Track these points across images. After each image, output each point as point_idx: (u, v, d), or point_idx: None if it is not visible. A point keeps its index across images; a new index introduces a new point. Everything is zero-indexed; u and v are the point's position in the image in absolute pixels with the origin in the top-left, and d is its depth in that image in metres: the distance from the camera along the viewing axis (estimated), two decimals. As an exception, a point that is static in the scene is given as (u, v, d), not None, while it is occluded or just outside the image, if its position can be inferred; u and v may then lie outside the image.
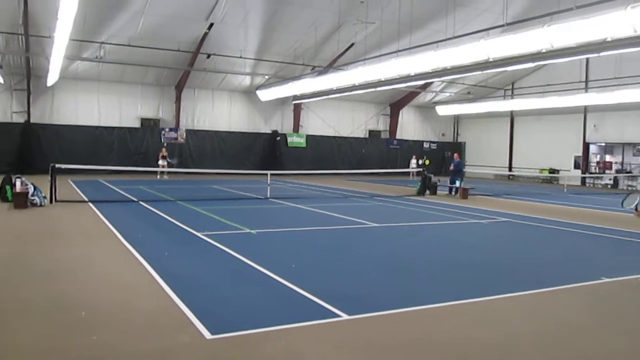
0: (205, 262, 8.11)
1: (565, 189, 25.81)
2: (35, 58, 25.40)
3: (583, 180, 32.43)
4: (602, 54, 13.82)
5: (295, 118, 34.99)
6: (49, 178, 15.18)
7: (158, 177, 26.90)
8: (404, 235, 11.52)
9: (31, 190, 14.09)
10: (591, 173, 32.68)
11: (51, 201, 14.73)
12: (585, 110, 31.77)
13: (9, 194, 14.55)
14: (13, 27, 22.56)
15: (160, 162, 26.83)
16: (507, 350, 4.86)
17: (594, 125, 31.97)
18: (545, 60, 15.93)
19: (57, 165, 15.51)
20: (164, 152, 27.66)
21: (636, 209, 7.47)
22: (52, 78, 24.58)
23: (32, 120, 27.82)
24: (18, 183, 14.18)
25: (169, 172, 26.71)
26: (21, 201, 13.62)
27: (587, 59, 28.61)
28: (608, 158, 33.36)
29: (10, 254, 8.40)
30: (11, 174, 15.83)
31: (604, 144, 32.95)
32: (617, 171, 31.87)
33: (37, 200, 14.08)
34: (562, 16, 13.56)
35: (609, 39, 12.52)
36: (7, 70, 26.22)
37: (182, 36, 24.75)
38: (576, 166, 32.89)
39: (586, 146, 32.73)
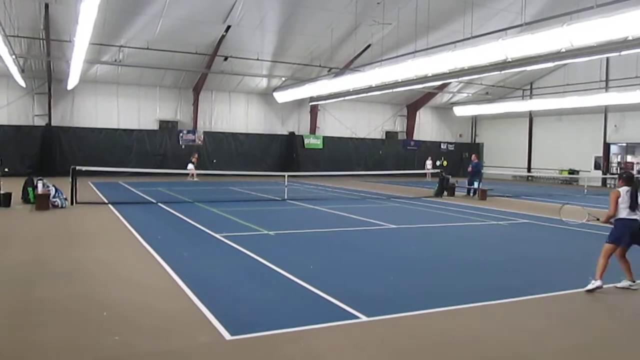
0: (224, 263, 8.16)
1: (585, 190, 25.44)
2: (56, 62, 25.82)
3: (604, 181, 31.94)
4: (623, 53, 13.62)
5: (312, 119, 35.03)
6: (70, 180, 15.40)
7: (195, 179, 27.10)
8: (421, 237, 11.46)
9: (52, 192, 14.32)
10: (612, 174, 32.14)
11: (72, 203, 14.95)
12: (605, 110, 31.31)
13: (31, 195, 14.82)
14: (34, 31, 22.97)
15: (190, 165, 26.95)
16: (526, 353, 4.81)
17: (615, 125, 31.48)
18: (564, 59, 15.77)
19: (77, 168, 15.73)
20: (195, 157, 27.83)
21: (597, 219, 7.34)
22: (72, 81, 24.97)
23: (53, 123, 28.26)
24: (40, 185, 14.42)
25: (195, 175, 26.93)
26: (43, 203, 13.85)
27: (608, 58, 28.24)
28: (629, 158, 32.85)
29: (33, 255, 8.54)
30: (33, 176, 16.12)
31: (625, 144, 32.44)
32: (639, 172, 31.34)
33: (58, 202, 14.30)
34: (582, 15, 13.40)
35: (630, 38, 12.35)
36: (29, 74, 26.67)
37: (199, 39, 24.95)
38: (596, 167, 32.42)
39: (607, 146, 32.25)
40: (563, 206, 8.79)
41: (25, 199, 15.06)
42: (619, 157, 33.11)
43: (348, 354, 4.65)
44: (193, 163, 27.26)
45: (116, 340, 4.77)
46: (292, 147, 34.08)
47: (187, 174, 26.76)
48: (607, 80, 29.61)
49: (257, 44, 25.97)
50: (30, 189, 14.94)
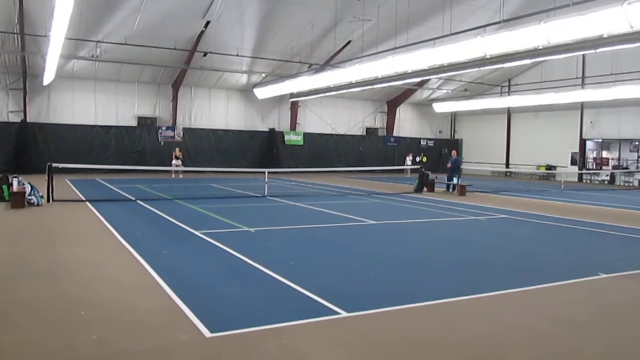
0: (204, 260, 8.12)
1: (562, 186, 25.86)
2: (31, 57, 25.30)
3: (580, 176, 32.48)
4: (598, 50, 13.85)
5: (293, 116, 34.94)
6: (46, 177, 15.11)
7: (173, 176, 26.85)
8: (402, 233, 11.53)
9: (28, 189, 14.05)
10: (588, 169, 32.73)
11: (48, 200, 14.68)
12: (581, 106, 31.81)
13: (5, 193, 14.51)
14: (8, 25, 22.48)
15: (174, 161, 26.68)
16: (504, 346, 4.88)
17: (591, 122, 32.01)
18: (541, 56, 15.97)
19: (54, 165, 15.46)
20: (177, 152, 27.54)
21: None
22: (48, 77, 24.50)
23: (28, 120, 27.71)
24: (15, 183, 14.14)
25: (184, 171, 26.73)
26: (18, 201, 13.58)
27: (584, 56, 28.68)
28: (605, 154, 33.40)
29: (8, 253, 8.39)
30: (8, 173, 15.81)
31: (600, 140, 33.00)
32: (614, 167, 31.93)
33: (34, 199, 14.04)
34: (559, 12, 13.55)
35: (605, 35, 12.55)
36: (3, 69, 26.14)
37: (178, 34, 24.68)
38: (573, 162, 32.94)
39: (583, 142, 32.78)
40: None
41: (-1, 197, 14.79)
42: (595, 152, 33.68)
43: (328, 349, 4.66)
44: (177, 158, 26.95)
45: (94, 339, 4.71)
46: (273, 144, 33.95)
47: (170, 172, 26.46)
48: (583, 77, 30.08)
49: (236, 39, 25.81)
50: (5, 187, 14.62)
